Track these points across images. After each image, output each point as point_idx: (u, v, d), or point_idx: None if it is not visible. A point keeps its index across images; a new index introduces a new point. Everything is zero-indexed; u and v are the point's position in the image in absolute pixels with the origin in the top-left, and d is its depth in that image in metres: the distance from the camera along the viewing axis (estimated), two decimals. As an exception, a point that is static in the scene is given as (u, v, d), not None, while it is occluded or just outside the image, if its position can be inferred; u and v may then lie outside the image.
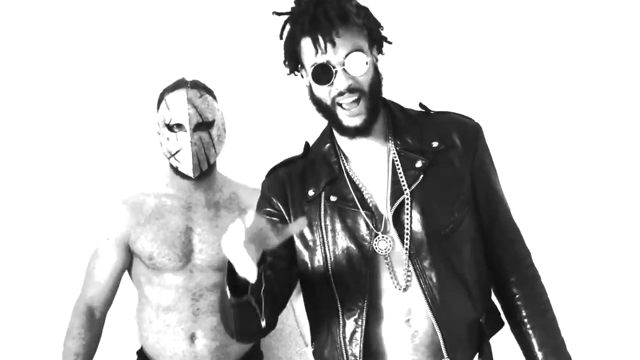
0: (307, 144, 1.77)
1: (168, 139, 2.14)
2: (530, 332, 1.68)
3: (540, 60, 2.76)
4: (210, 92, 2.22)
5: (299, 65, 1.64)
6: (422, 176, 1.62)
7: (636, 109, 2.75)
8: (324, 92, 1.59)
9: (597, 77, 2.75)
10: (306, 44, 1.58)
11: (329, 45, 1.54)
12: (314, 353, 1.75)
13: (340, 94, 1.56)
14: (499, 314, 1.75)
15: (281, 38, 1.64)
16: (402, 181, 1.62)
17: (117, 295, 2.25)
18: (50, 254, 2.70)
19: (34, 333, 2.68)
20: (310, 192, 1.68)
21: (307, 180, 1.70)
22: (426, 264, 1.59)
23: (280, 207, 1.70)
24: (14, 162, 2.70)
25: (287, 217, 1.70)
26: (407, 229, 1.60)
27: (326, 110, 1.61)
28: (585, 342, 2.68)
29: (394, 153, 1.65)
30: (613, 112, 2.76)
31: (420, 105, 1.75)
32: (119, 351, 2.51)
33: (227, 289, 1.49)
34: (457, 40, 2.76)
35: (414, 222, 1.60)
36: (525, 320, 1.69)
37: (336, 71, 1.56)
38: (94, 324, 2.19)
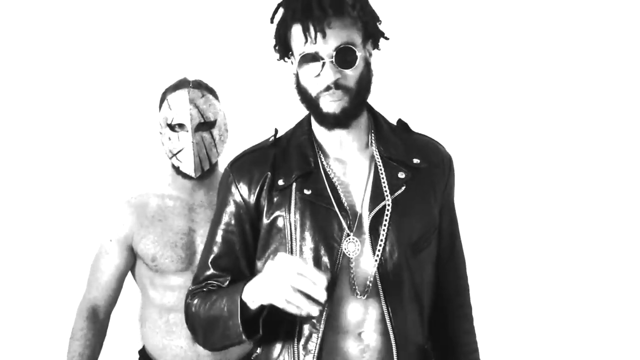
0: (276, 130, 1.67)
1: (170, 138, 2.14)
2: None
3: (535, 65, 2.76)
4: (212, 91, 2.21)
5: (289, 52, 1.56)
6: (404, 187, 1.56)
7: (632, 114, 2.75)
8: (310, 83, 1.51)
9: (594, 83, 2.75)
10: (296, 31, 1.50)
11: (319, 36, 1.46)
12: (257, 357, 1.64)
13: (327, 88, 1.49)
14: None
15: (272, 22, 1.56)
16: (385, 186, 1.56)
17: (120, 295, 2.25)
18: (54, 254, 2.70)
19: (38, 333, 2.69)
20: (280, 182, 1.57)
21: (277, 168, 1.59)
22: (392, 276, 1.52)
23: (245, 196, 1.59)
24: (17, 164, 2.71)
25: (252, 206, 1.58)
26: (382, 237, 1.53)
27: (309, 100, 1.53)
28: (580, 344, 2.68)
29: (378, 158, 1.59)
30: (612, 123, 2.75)
31: (399, 121, 1.70)
32: (121, 351, 2.51)
33: (242, 332, 1.47)
34: (449, 45, 2.75)
35: (390, 231, 1.53)
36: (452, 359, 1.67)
37: (324, 63, 1.48)
38: (97, 324, 2.19)
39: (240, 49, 2.74)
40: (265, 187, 1.58)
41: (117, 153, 2.72)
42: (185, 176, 2.16)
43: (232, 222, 1.61)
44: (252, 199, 1.58)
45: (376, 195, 1.55)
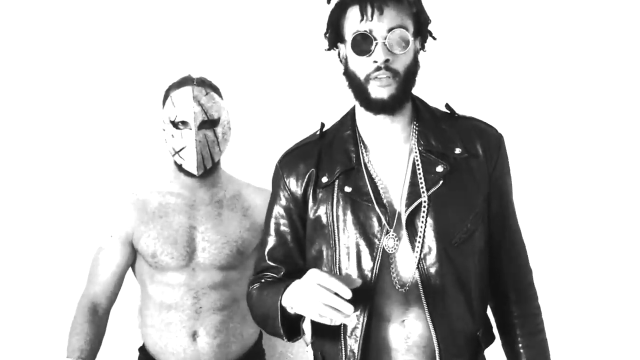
0: (322, 125, 1.74)
1: (173, 136, 2.14)
2: (521, 351, 1.68)
3: (548, 65, 2.75)
4: (216, 89, 2.21)
5: (339, 39, 1.61)
6: (441, 182, 1.59)
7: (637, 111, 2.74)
8: (360, 65, 1.55)
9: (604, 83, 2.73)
10: (353, 11, 1.55)
11: (375, 13, 1.51)
12: (313, 346, 1.75)
13: (377, 68, 1.53)
14: (492, 328, 1.73)
15: (328, 2, 1.61)
16: (421, 184, 1.59)
17: (120, 292, 2.25)
18: (55, 250, 2.70)
19: (39, 329, 2.69)
20: (324, 179, 1.65)
21: (322, 164, 1.67)
22: (432, 270, 1.57)
23: (293, 190, 1.68)
24: (19, 160, 2.71)
25: (300, 199, 1.68)
26: (420, 233, 1.58)
27: (358, 85, 1.57)
28: (585, 343, 2.67)
29: (416, 152, 1.62)
30: (625, 123, 2.74)
31: (447, 106, 1.72)
32: (121, 348, 2.51)
33: (283, 334, 1.58)
34: (470, 42, 2.74)
35: (428, 227, 1.57)
36: (519, 339, 1.69)
37: (377, 43, 1.52)
38: (97, 320, 2.18)
39: (244, 47, 2.73)
40: (310, 184, 1.67)
41: (119, 150, 2.71)
42: (188, 174, 2.16)
43: (284, 214, 1.71)
44: (299, 193, 1.68)
45: (412, 192, 1.59)
